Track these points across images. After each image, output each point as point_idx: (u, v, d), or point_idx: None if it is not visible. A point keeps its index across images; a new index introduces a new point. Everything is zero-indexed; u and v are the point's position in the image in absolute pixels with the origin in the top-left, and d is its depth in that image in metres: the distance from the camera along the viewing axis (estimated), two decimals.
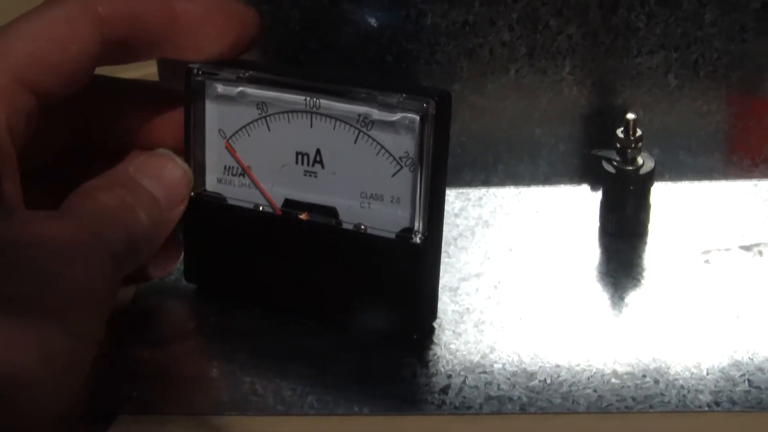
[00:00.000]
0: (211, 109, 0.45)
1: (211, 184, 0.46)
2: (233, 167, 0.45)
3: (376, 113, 0.42)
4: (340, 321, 0.44)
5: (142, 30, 0.41)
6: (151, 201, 0.42)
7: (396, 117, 0.41)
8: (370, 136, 0.42)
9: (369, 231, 0.42)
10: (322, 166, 0.43)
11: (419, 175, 0.41)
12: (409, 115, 0.41)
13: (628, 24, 0.49)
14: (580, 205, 0.51)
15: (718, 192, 0.51)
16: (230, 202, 0.45)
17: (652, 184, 0.48)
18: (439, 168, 0.41)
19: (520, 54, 0.50)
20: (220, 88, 0.44)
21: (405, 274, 0.42)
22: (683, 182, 0.52)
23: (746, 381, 0.40)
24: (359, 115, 0.42)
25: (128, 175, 0.42)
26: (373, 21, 0.50)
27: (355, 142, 0.42)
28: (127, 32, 0.41)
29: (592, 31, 0.49)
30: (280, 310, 0.45)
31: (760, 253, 0.47)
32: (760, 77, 0.50)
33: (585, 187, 0.52)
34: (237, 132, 0.44)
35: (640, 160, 0.48)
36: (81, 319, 0.36)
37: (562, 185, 0.52)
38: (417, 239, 0.41)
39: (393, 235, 0.42)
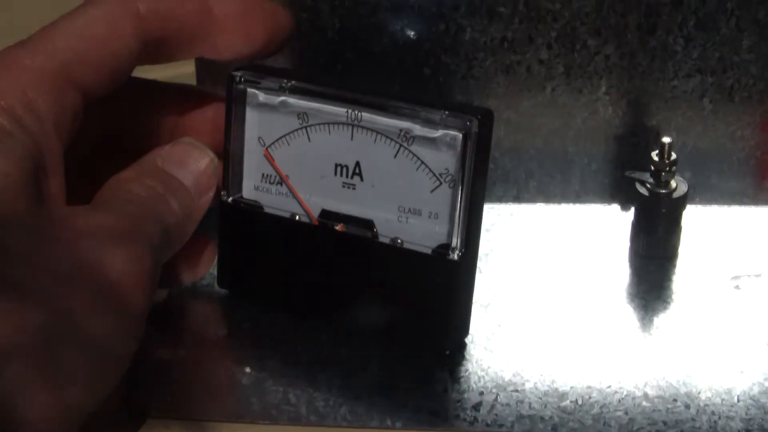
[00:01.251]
0: (251, 116, 0.45)
1: (248, 190, 0.46)
2: (271, 175, 0.45)
3: (418, 129, 0.42)
4: (373, 333, 0.44)
5: (180, 28, 0.42)
6: (181, 189, 0.42)
7: (438, 134, 0.41)
8: (410, 151, 0.42)
9: (405, 245, 0.43)
10: (361, 179, 0.44)
11: (459, 192, 0.41)
12: (452, 132, 0.41)
13: (666, 46, 0.49)
14: (610, 224, 0.51)
15: (748, 217, 0.51)
16: (267, 210, 0.45)
17: (684, 208, 0.48)
18: (479, 186, 0.42)
19: (557, 72, 0.50)
20: (262, 96, 0.44)
21: (440, 290, 0.42)
22: (714, 206, 0.52)
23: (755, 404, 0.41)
24: (401, 130, 0.42)
25: (156, 166, 0.42)
26: (411, 33, 0.50)
27: (395, 156, 0.43)
28: (166, 30, 0.41)
29: (629, 53, 0.49)
30: (313, 320, 0.45)
31: None
32: None
33: (616, 207, 0.52)
34: (276, 141, 0.45)
35: (673, 184, 0.48)
36: (123, 311, 0.36)
37: (593, 204, 0.53)
38: (454, 256, 0.42)
39: (429, 251, 0.42)
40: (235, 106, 0.45)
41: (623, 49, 0.49)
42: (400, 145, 0.42)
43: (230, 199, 0.46)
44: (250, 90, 0.44)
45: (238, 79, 0.44)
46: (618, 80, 0.50)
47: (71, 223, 0.37)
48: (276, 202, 0.45)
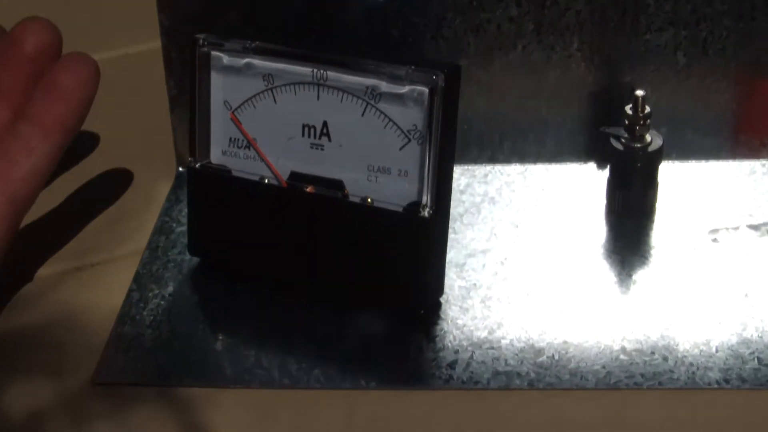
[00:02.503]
0: (216, 80, 0.44)
1: (215, 156, 0.45)
2: (239, 139, 0.44)
3: (384, 85, 0.41)
4: (347, 295, 0.44)
5: None
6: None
7: (405, 89, 0.41)
8: (378, 109, 0.41)
9: (376, 204, 0.42)
10: (329, 139, 0.43)
11: (428, 149, 0.41)
12: (418, 87, 0.41)
13: (637, 0, 0.48)
14: (586, 183, 0.51)
15: (725, 171, 0.51)
16: (235, 174, 0.45)
17: (660, 162, 0.47)
18: (448, 142, 0.41)
19: (527, 30, 0.49)
20: (226, 59, 0.44)
21: (413, 248, 0.42)
22: (691, 161, 0.51)
23: (755, 359, 0.40)
24: (367, 88, 0.41)
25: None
26: None
27: (362, 114, 0.42)
28: None
29: (600, 8, 0.49)
30: (285, 284, 0.45)
31: None
32: None
33: (591, 166, 0.52)
34: (243, 104, 0.44)
35: (648, 138, 0.47)
36: None
37: (568, 163, 0.52)
38: (425, 213, 0.41)
39: (400, 209, 0.41)
40: (200, 70, 0.44)
41: (594, 4, 0.49)
42: (367, 103, 0.42)
43: (198, 165, 0.45)
44: (214, 53, 0.44)
45: (201, 42, 0.44)
46: (589, 36, 0.49)
47: None
48: (244, 166, 0.45)
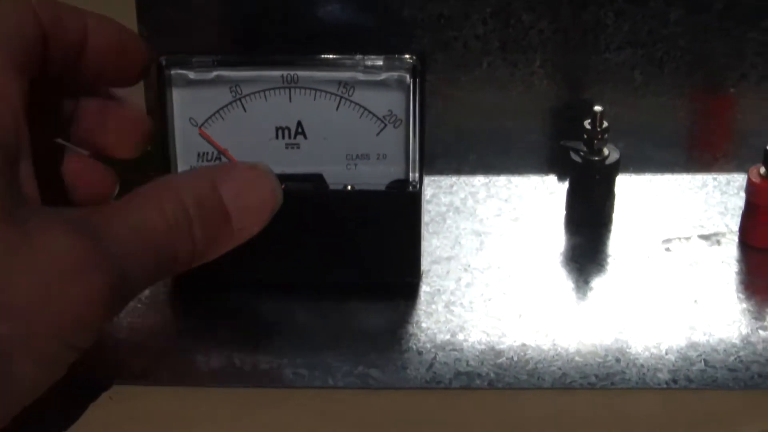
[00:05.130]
0: (181, 98, 0.45)
1: None
2: (208, 152, 0.46)
3: (361, 76, 0.44)
4: (339, 282, 0.46)
5: (62, 36, 0.40)
6: (220, 223, 0.40)
7: (383, 76, 0.44)
8: (352, 101, 0.44)
9: (357, 188, 0.45)
10: (305, 137, 0.45)
11: (413, 129, 0.44)
12: (397, 73, 0.44)
13: (598, 21, 0.51)
14: (547, 194, 0.53)
15: (679, 184, 0.53)
16: None
17: (616, 175, 0.50)
18: (424, 122, 0.45)
19: (493, 47, 0.52)
20: (192, 75, 0.45)
21: (403, 223, 0.45)
22: (647, 175, 0.54)
23: (702, 361, 0.42)
24: (340, 82, 0.44)
25: (208, 187, 0.40)
26: (349, 12, 0.51)
27: (337, 109, 0.45)
28: (51, 29, 0.40)
29: (562, 27, 0.51)
30: (271, 285, 0.47)
31: (718, 242, 0.49)
32: (721, 76, 0.52)
33: (552, 178, 0.54)
34: (210, 117, 0.45)
35: (605, 151, 0.49)
36: (71, 332, 0.35)
37: (531, 175, 0.54)
38: (414, 188, 0.45)
39: (382, 188, 0.45)
40: (163, 91, 0.45)
41: (556, 23, 0.51)
42: (341, 97, 0.44)
43: None
44: (177, 72, 0.45)
45: (164, 62, 0.45)
46: (552, 54, 0.52)
47: (41, 239, 0.35)
48: None
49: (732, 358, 0.42)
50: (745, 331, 0.44)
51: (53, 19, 0.39)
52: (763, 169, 0.47)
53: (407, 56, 0.44)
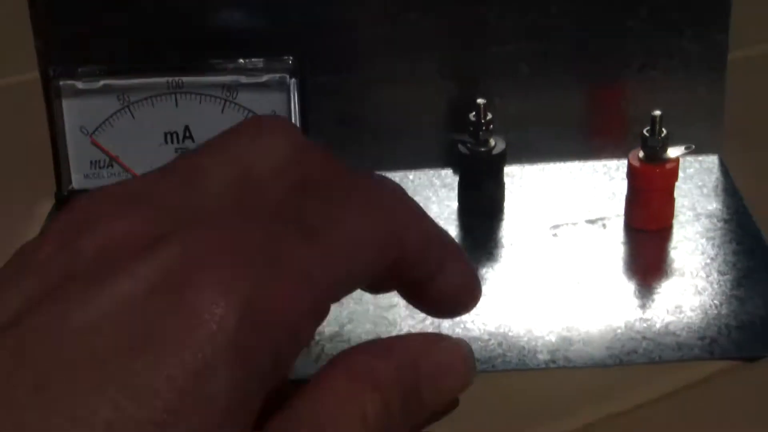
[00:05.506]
0: (71, 108, 0.47)
1: (78, 181, 0.48)
2: (100, 160, 0.47)
3: (244, 79, 0.45)
4: None
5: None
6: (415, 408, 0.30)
7: (265, 78, 0.45)
8: (236, 103, 0.46)
9: None
10: (193, 141, 0.46)
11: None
12: (278, 75, 0.46)
13: (482, 15, 0.52)
14: (442, 187, 0.54)
15: (570, 172, 0.54)
16: None
17: (504, 164, 0.51)
18: (307, 121, 0.46)
19: (382, 46, 0.53)
20: (80, 85, 0.46)
21: None
22: (537, 164, 0.55)
23: (581, 341, 0.44)
24: (224, 86, 0.45)
25: (412, 369, 0.29)
26: (238, 17, 0.52)
27: (222, 111, 0.46)
28: None
29: (449, 23, 0.52)
30: None
31: (604, 226, 0.50)
32: (605, 65, 0.53)
33: (449, 171, 0.55)
34: (100, 126, 0.47)
35: (492, 142, 0.51)
36: None
37: (426, 169, 0.55)
38: None
39: None
40: (54, 101, 0.46)
41: (443, 20, 0.52)
42: (225, 100, 0.45)
43: (65, 193, 0.48)
44: (66, 82, 0.46)
45: (52, 72, 0.46)
46: (440, 50, 0.53)
47: None
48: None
49: (610, 336, 0.44)
50: (623, 309, 0.45)
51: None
52: (641, 153, 0.49)
53: (286, 58, 0.45)
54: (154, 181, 0.29)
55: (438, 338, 0.32)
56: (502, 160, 0.51)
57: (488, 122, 0.50)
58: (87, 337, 0.25)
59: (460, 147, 0.51)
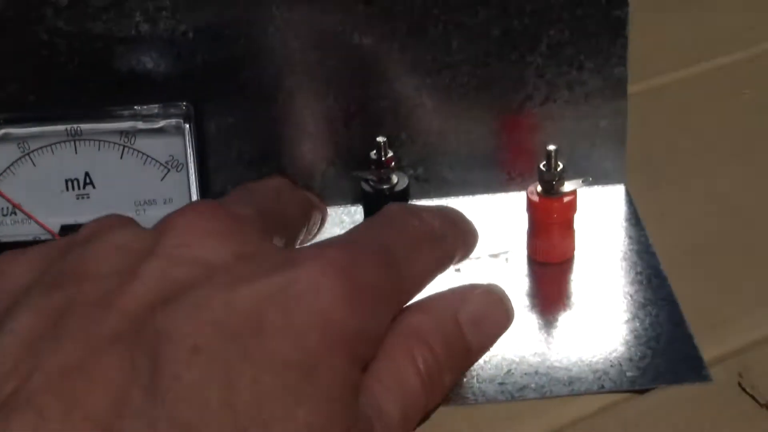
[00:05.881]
0: None
1: None
2: (3, 208, 0.48)
3: (141, 124, 0.46)
4: None
5: None
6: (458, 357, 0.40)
7: (161, 124, 0.46)
8: (134, 149, 0.46)
9: None
10: (93, 187, 0.47)
11: (192, 173, 0.47)
12: (174, 120, 0.47)
13: (383, 52, 0.53)
14: (352, 224, 0.54)
15: (477, 205, 0.55)
16: (5, 240, 0.48)
17: (407, 201, 0.51)
18: (204, 165, 0.48)
19: (286, 84, 0.53)
20: None
21: None
22: (447, 198, 0.55)
23: (475, 377, 0.44)
24: (122, 132, 0.46)
25: (451, 326, 0.40)
26: (142, 61, 0.53)
27: (121, 157, 0.46)
28: None
29: (347, 60, 0.53)
30: None
31: (507, 260, 0.51)
32: (506, 97, 0.54)
33: (358, 207, 0.56)
34: (2, 174, 0.47)
35: (394, 179, 0.51)
36: None
37: (336, 206, 0.56)
38: None
39: None
40: None
41: (343, 59, 0.53)
42: (124, 146, 0.46)
43: None
44: None
45: None
46: (342, 88, 0.53)
47: None
48: (13, 231, 0.48)
49: (504, 371, 0.44)
50: (519, 344, 0.45)
51: None
52: (539, 187, 0.49)
53: (181, 103, 0.46)
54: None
55: (472, 288, 0.41)
56: (405, 196, 0.51)
57: (389, 159, 0.51)
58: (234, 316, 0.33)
59: (363, 185, 0.51)
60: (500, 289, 0.42)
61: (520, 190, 0.55)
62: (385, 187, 0.51)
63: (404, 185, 0.51)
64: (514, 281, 0.50)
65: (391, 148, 0.52)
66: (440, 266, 0.42)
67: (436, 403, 0.40)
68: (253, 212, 0.40)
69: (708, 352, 0.44)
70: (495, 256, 0.51)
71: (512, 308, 0.42)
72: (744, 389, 0.42)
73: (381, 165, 0.51)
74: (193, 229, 0.36)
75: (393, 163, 0.51)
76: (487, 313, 0.41)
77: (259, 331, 0.33)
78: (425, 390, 0.38)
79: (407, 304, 0.39)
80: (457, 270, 0.50)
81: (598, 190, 0.55)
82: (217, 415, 0.31)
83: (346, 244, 0.38)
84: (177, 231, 0.36)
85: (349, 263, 0.36)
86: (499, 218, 0.54)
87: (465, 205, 0.55)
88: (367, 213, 0.52)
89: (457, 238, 0.43)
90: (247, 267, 0.35)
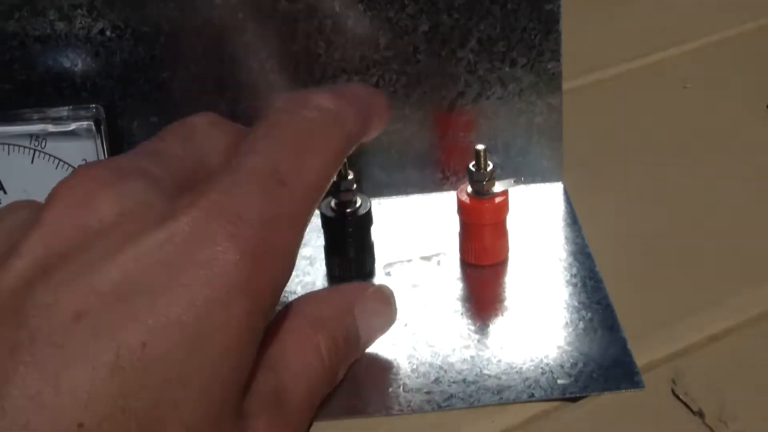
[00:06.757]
0: None
1: None
2: None
3: (51, 127, 0.44)
4: None
5: None
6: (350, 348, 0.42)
7: (72, 126, 0.44)
8: (46, 153, 0.44)
9: None
10: (5, 192, 0.45)
11: None
12: (85, 122, 0.45)
13: (309, 51, 0.51)
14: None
15: (410, 206, 0.53)
16: None
17: (371, 224, 0.49)
18: None
19: (208, 86, 0.51)
20: None
21: None
22: (378, 198, 0.54)
23: (401, 386, 0.42)
24: (32, 136, 0.44)
25: (349, 317, 0.42)
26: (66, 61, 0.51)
27: (32, 161, 0.44)
28: None
29: (276, 61, 0.51)
30: None
31: (439, 262, 0.49)
32: (438, 95, 0.52)
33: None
34: None
35: (358, 201, 0.48)
36: None
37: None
38: None
39: None
40: None
41: (269, 58, 0.51)
42: (35, 150, 0.44)
43: None
44: None
45: None
46: (266, 88, 0.51)
47: None
48: None
49: (431, 379, 0.42)
50: (449, 351, 0.44)
51: None
52: (469, 188, 0.48)
53: (92, 106, 0.44)
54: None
55: (366, 286, 0.44)
56: (369, 220, 0.48)
57: (350, 182, 0.48)
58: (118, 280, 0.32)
59: (324, 209, 0.48)
60: (389, 289, 0.44)
61: (454, 189, 0.53)
62: (348, 210, 0.48)
63: (367, 209, 0.48)
64: (446, 284, 0.48)
65: None
66: (340, 154, 0.40)
67: (329, 392, 0.40)
68: (149, 162, 0.37)
69: (641, 357, 0.43)
70: (427, 258, 0.50)
71: (396, 308, 0.44)
72: (677, 396, 0.40)
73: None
74: (74, 193, 0.35)
75: (355, 186, 0.48)
76: (378, 310, 0.43)
77: (145, 291, 0.32)
78: (326, 376, 0.39)
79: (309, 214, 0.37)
80: (388, 274, 0.49)
81: (535, 188, 0.54)
82: (106, 381, 0.30)
83: (224, 179, 0.35)
84: (58, 200, 0.35)
85: (230, 200, 0.34)
86: (432, 219, 0.52)
87: (397, 206, 0.53)
88: (329, 239, 0.49)
89: (357, 117, 0.41)
90: (130, 224, 0.34)
